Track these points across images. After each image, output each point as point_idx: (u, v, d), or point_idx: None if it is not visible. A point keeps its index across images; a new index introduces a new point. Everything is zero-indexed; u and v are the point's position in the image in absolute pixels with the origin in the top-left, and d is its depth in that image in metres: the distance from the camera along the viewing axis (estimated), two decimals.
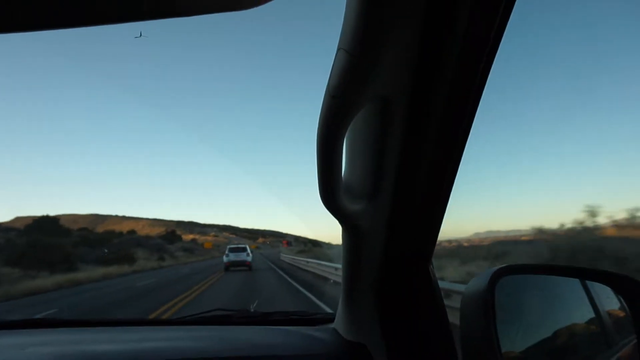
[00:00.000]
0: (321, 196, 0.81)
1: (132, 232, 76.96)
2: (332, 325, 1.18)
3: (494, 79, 0.67)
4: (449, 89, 0.65)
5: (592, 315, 1.00)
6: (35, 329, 1.31)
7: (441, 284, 0.97)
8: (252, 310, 1.53)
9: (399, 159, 0.73)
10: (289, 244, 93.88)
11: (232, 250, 25.67)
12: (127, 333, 1.25)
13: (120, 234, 65.70)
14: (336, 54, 0.62)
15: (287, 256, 37.41)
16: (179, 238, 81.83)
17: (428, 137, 0.71)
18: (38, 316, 2.01)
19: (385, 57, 0.60)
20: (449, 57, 0.62)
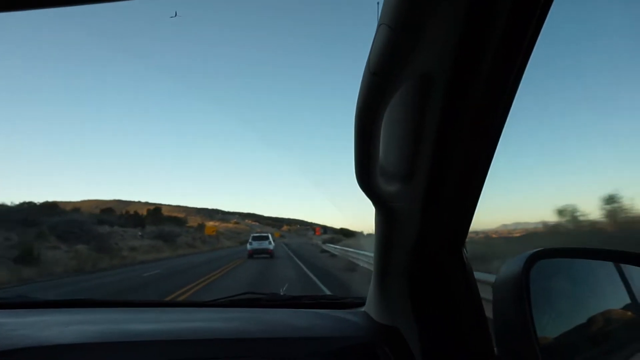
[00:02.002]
0: (357, 176, 0.83)
1: (76, 209, 50.44)
2: (362, 309, 1.21)
3: (537, 62, 0.67)
4: (490, 70, 0.64)
5: (627, 300, 1.00)
6: (76, 308, 1.39)
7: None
8: (282, 294, 1.58)
9: (436, 140, 0.74)
10: (324, 231, 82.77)
11: (255, 238, 28.12)
12: (164, 314, 1.32)
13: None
14: (377, 29, 0.62)
15: (338, 248, 24.87)
16: (160, 220, 58.80)
17: (466, 119, 0.71)
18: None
19: (428, 33, 0.60)
20: (493, 35, 0.61)
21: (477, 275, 0.99)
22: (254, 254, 25.64)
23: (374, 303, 1.12)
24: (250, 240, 27.93)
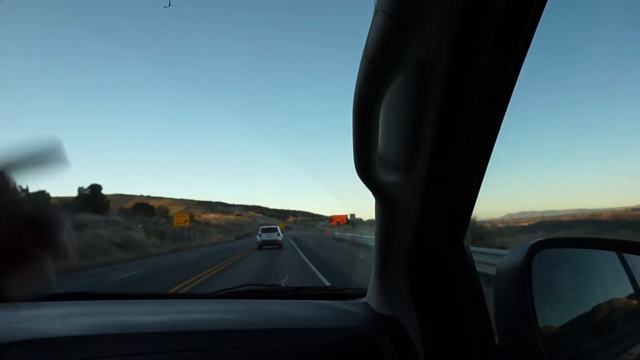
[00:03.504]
0: (356, 166, 0.83)
1: None
2: (363, 300, 1.23)
3: (537, 49, 0.67)
4: (490, 57, 0.64)
5: (631, 290, 1.01)
6: (76, 300, 1.41)
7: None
8: (283, 285, 1.59)
9: (436, 129, 0.74)
10: (351, 221, 58.53)
11: (264, 230, 29.65)
12: (164, 306, 1.33)
13: None
14: (374, 16, 0.62)
15: None
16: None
17: (466, 107, 0.71)
18: None
19: (425, 20, 0.60)
20: (491, 22, 0.61)
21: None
22: (263, 245, 27.34)
23: (375, 294, 1.13)
24: (259, 232, 29.62)
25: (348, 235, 31.68)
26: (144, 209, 58.81)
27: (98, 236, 29.50)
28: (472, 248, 0.97)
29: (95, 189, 48.70)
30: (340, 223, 61.56)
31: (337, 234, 39.02)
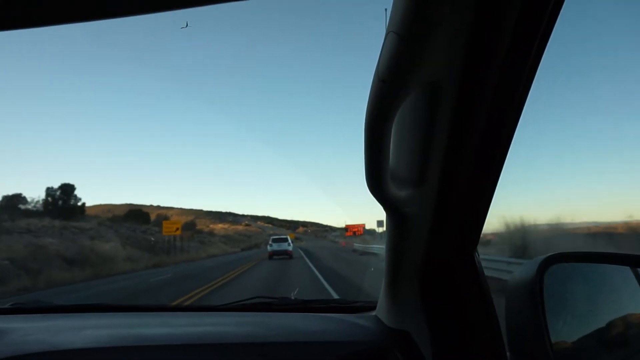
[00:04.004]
0: (367, 182, 0.84)
1: None
2: (373, 313, 1.23)
3: (547, 66, 0.68)
4: (499, 76, 0.66)
5: None
6: (88, 312, 1.43)
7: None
8: (292, 298, 1.60)
9: (447, 146, 0.75)
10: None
11: (275, 240, 30.65)
12: (176, 318, 1.35)
13: None
14: (385, 37, 0.63)
15: None
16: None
17: (476, 124, 0.72)
18: None
19: (436, 41, 0.62)
20: (501, 43, 0.62)
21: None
22: (274, 255, 28.42)
23: (385, 307, 1.13)
24: (270, 242, 30.69)
25: (376, 247, 24.97)
26: (137, 216, 50.68)
27: (40, 248, 22.35)
28: (485, 256, 0.97)
29: (67, 189, 40.81)
30: (357, 233, 55.88)
31: (356, 245, 33.93)
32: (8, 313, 1.42)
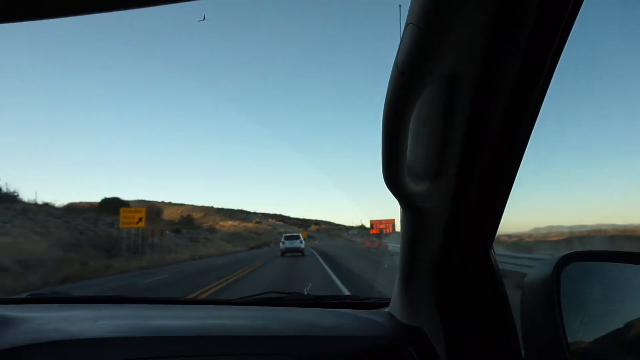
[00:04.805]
0: (384, 176, 0.85)
1: None
2: (387, 309, 1.23)
3: (568, 62, 0.67)
4: (518, 69, 0.66)
5: None
6: (105, 304, 1.46)
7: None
8: (305, 293, 1.61)
9: (464, 140, 0.75)
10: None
11: (287, 238, 31.66)
12: (191, 311, 1.37)
13: None
14: (405, 28, 0.63)
15: None
16: None
17: (494, 119, 0.72)
18: None
19: (456, 33, 0.62)
20: (522, 35, 0.62)
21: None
22: (286, 252, 29.21)
23: (399, 303, 1.13)
24: (282, 240, 31.67)
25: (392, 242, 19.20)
26: (117, 205, 39.37)
27: None
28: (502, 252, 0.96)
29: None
30: (385, 231, 46.54)
31: (392, 246, 24.43)
32: (25, 302, 1.45)
